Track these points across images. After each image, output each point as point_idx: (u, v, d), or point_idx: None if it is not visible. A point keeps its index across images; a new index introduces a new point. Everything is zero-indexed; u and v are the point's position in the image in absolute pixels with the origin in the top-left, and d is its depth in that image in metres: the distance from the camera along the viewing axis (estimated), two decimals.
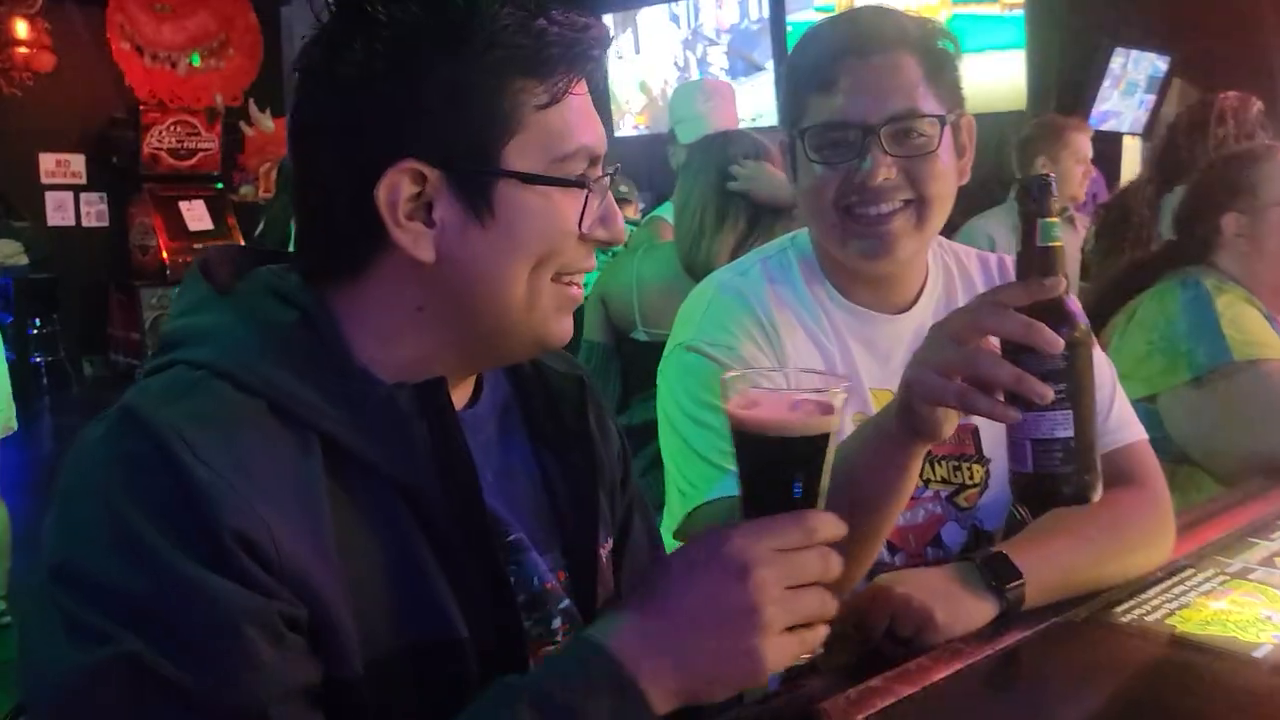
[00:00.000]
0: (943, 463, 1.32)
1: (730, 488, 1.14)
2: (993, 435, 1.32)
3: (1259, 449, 1.71)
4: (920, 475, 1.29)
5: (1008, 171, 3.78)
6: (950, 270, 1.38)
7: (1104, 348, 1.98)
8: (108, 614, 0.71)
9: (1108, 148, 5.87)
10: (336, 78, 0.84)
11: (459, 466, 0.84)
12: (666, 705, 0.75)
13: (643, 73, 7.83)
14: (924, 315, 1.31)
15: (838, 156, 1.20)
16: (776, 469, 0.80)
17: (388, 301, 0.86)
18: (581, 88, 0.87)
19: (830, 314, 1.29)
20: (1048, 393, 0.87)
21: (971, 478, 1.34)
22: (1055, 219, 0.92)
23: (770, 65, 6.76)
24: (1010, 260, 1.37)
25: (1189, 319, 1.84)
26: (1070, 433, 0.88)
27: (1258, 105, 2.66)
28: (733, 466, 1.14)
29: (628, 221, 3.83)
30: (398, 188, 0.82)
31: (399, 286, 0.85)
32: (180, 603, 0.71)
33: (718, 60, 7.20)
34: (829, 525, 0.78)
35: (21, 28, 8.25)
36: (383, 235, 0.83)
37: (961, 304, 1.27)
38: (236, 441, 0.76)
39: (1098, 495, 0.92)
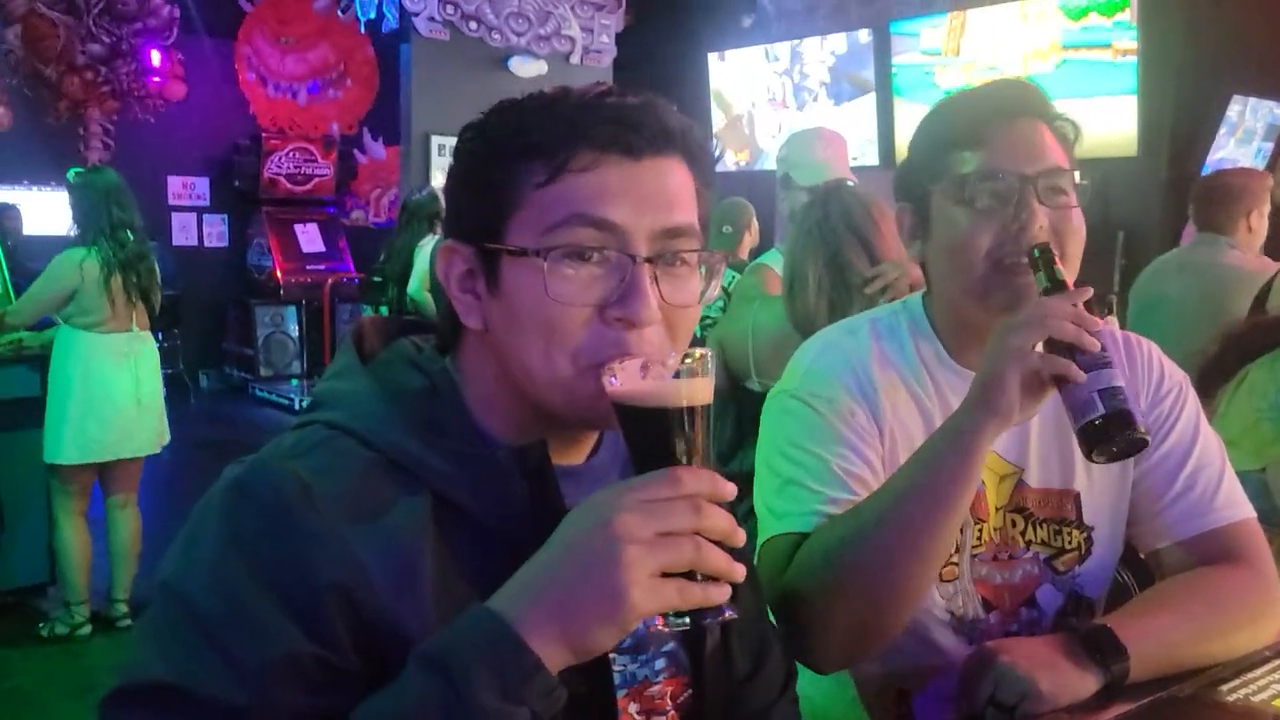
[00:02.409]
0: (1044, 525, 1.35)
1: (803, 526, 1.22)
2: (1094, 504, 1.35)
3: None
4: (1022, 535, 1.34)
5: (1115, 221, 3.75)
6: None
7: (1212, 412, 1.97)
8: (179, 631, 0.81)
9: None
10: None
11: (553, 520, 0.89)
12: (553, 650, 0.77)
13: (722, 85, 7.87)
14: None
15: (993, 205, 1.23)
16: (651, 438, 0.83)
17: (480, 368, 0.95)
18: (595, 160, 0.87)
19: (934, 374, 1.33)
20: (1096, 345, 1.07)
21: (1070, 542, 1.36)
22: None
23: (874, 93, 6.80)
24: (1121, 332, 1.42)
25: None
26: (1122, 382, 1.08)
27: None
28: (819, 505, 1.22)
29: (732, 266, 3.88)
30: (450, 263, 0.92)
31: (479, 355, 0.95)
32: (243, 637, 0.80)
33: (817, 74, 7.22)
34: (698, 479, 0.79)
35: (156, 57, 8.70)
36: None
37: None
38: (351, 493, 0.85)
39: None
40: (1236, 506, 1.32)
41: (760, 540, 1.28)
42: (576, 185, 0.87)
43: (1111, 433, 1.06)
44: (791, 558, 1.21)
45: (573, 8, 7.31)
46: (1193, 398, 1.38)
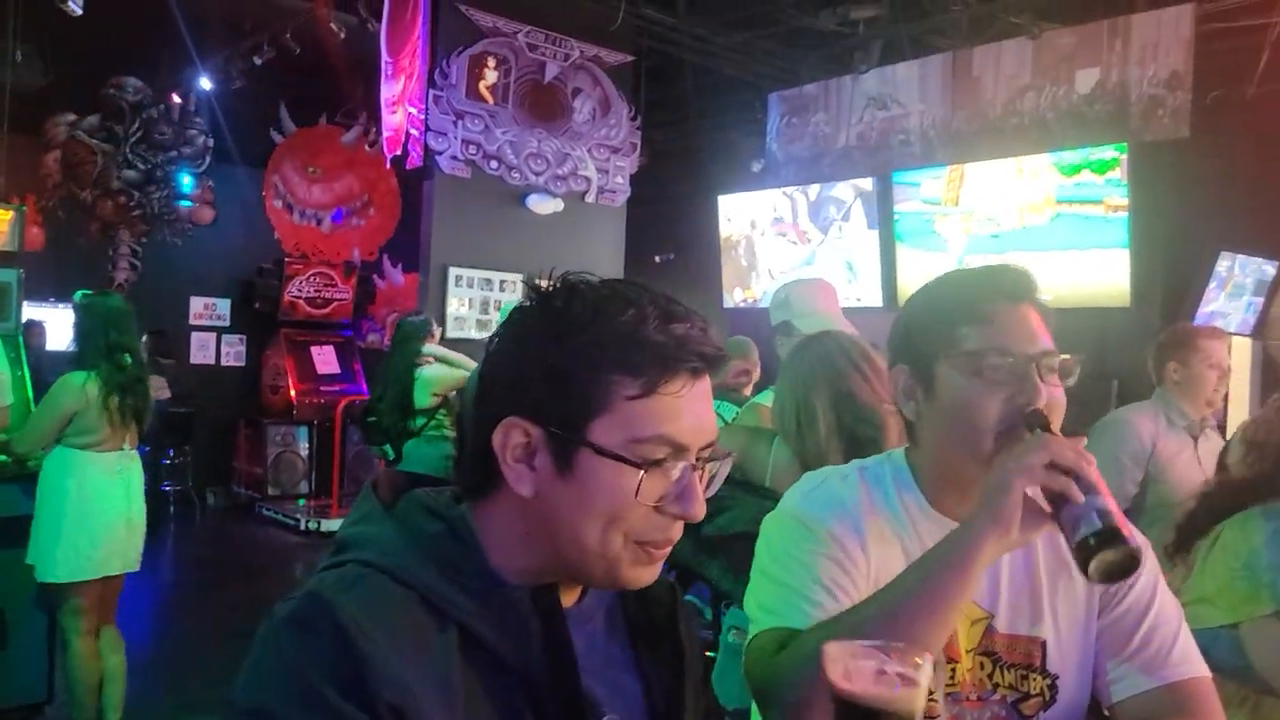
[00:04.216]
0: (1011, 670, 1.42)
1: (801, 622, 1.32)
2: (1059, 653, 1.42)
3: None
4: (990, 678, 1.42)
5: (1110, 370, 3.87)
6: None
7: (1190, 568, 2.05)
8: None
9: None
10: (488, 347, 1.10)
11: (563, 657, 1.04)
12: None
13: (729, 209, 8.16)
14: None
15: (1002, 380, 1.34)
16: None
17: (505, 522, 1.05)
18: (682, 386, 1.02)
19: (916, 522, 1.43)
20: (1094, 473, 1.19)
21: (1035, 688, 1.42)
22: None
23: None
24: None
25: (1273, 551, 1.88)
26: (1115, 507, 1.18)
27: None
28: (808, 606, 1.32)
29: (734, 401, 4.01)
30: (509, 435, 1.02)
31: (512, 512, 1.04)
32: None
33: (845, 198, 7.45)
34: None
35: (188, 183, 9.03)
36: (499, 470, 1.05)
37: None
38: (394, 625, 0.96)
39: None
40: (1192, 664, 1.39)
41: (751, 635, 1.38)
42: (662, 405, 1.01)
43: (1108, 546, 1.14)
44: (779, 651, 1.30)
45: (589, 150, 7.65)
46: (1152, 561, 1.47)
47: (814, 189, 7.56)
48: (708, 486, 1.07)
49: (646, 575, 1.06)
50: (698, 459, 1.04)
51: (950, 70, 7.13)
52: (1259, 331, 6.40)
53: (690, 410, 1.03)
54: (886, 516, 1.43)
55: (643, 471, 1.00)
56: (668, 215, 9.79)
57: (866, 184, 7.16)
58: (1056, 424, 1.36)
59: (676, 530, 1.04)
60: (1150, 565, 1.44)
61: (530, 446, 1.03)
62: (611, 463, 1.00)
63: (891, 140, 7.46)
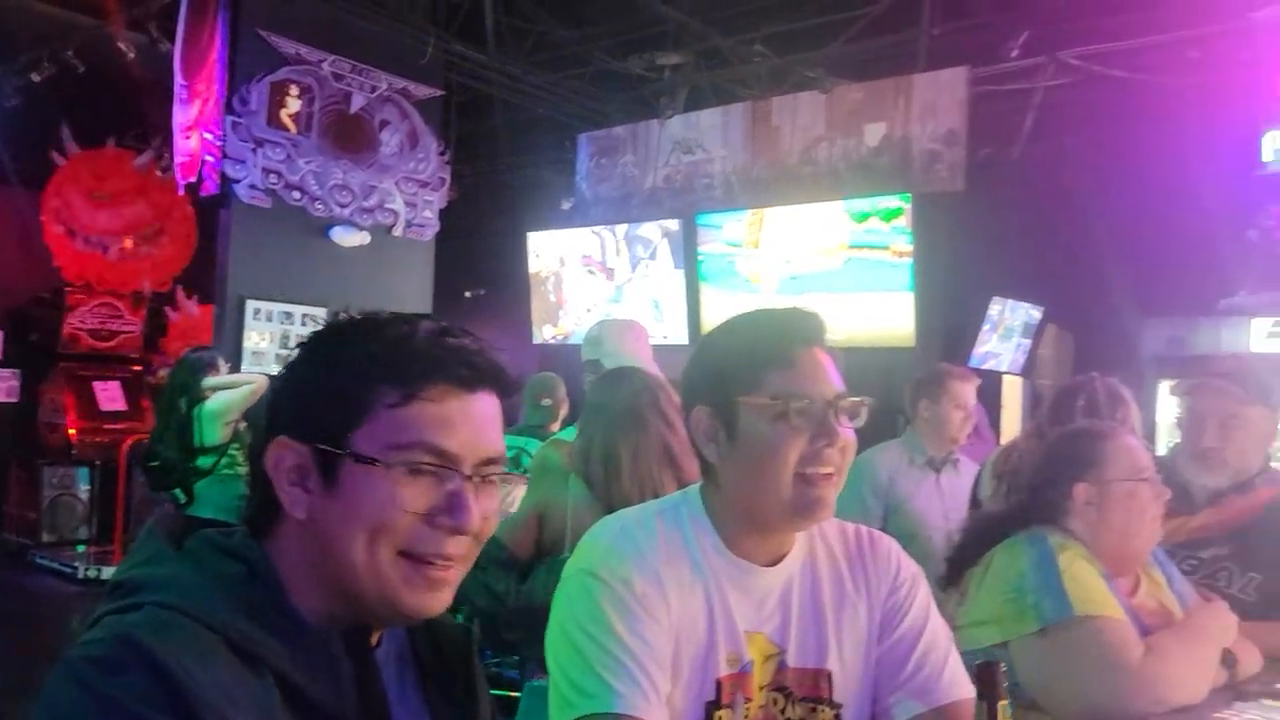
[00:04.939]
0: (801, 704, 1.46)
1: (611, 705, 1.31)
2: (844, 683, 1.47)
3: (1094, 700, 1.84)
4: (782, 713, 1.45)
5: (896, 406, 4.10)
6: (813, 533, 1.54)
7: (964, 595, 2.19)
8: None
9: (989, 386, 6.36)
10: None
11: (376, 703, 1.02)
12: None
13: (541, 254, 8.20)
14: (792, 568, 1.48)
15: (799, 423, 1.38)
16: None
17: (293, 556, 1.01)
18: (446, 393, 1.01)
19: (713, 563, 1.44)
20: None
21: (824, 719, 1.46)
22: (1007, 700, 1.16)
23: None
24: (866, 531, 1.58)
25: (1036, 573, 2.02)
26: None
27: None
28: (617, 684, 1.32)
29: (540, 437, 4.02)
30: (280, 457, 1.00)
31: (297, 542, 1.01)
32: None
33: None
34: None
35: None
36: (278, 497, 1.03)
37: (823, 565, 1.49)
38: (216, 670, 0.91)
39: None
40: (960, 686, 1.48)
41: (563, 714, 1.36)
42: (424, 412, 1.00)
43: None
44: None
45: (397, 183, 7.54)
46: (924, 588, 1.56)
47: (622, 228, 7.71)
48: (497, 505, 1.05)
49: (427, 601, 1.02)
50: (477, 474, 1.03)
51: (751, 118, 7.45)
52: (1027, 370, 6.95)
53: (463, 422, 1.01)
54: (686, 561, 1.43)
55: (402, 476, 0.98)
56: (478, 251, 9.75)
57: (673, 225, 7.36)
58: (850, 460, 1.43)
59: (452, 546, 1.01)
60: (922, 592, 1.53)
61: (302, 467, 1.00)
62: (374, 471, 0.98)
63: (696, 183, 7.71)
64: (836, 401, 1.39)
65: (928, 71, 6.54)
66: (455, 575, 1.03)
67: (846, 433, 1.40)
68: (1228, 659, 2.01)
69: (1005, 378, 6.79)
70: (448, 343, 1.03)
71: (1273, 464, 2.61)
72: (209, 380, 5.01)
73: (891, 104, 6.67)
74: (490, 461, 1.05)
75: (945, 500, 3.69)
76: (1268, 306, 5.52)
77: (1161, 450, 3.98)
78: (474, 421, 1.03)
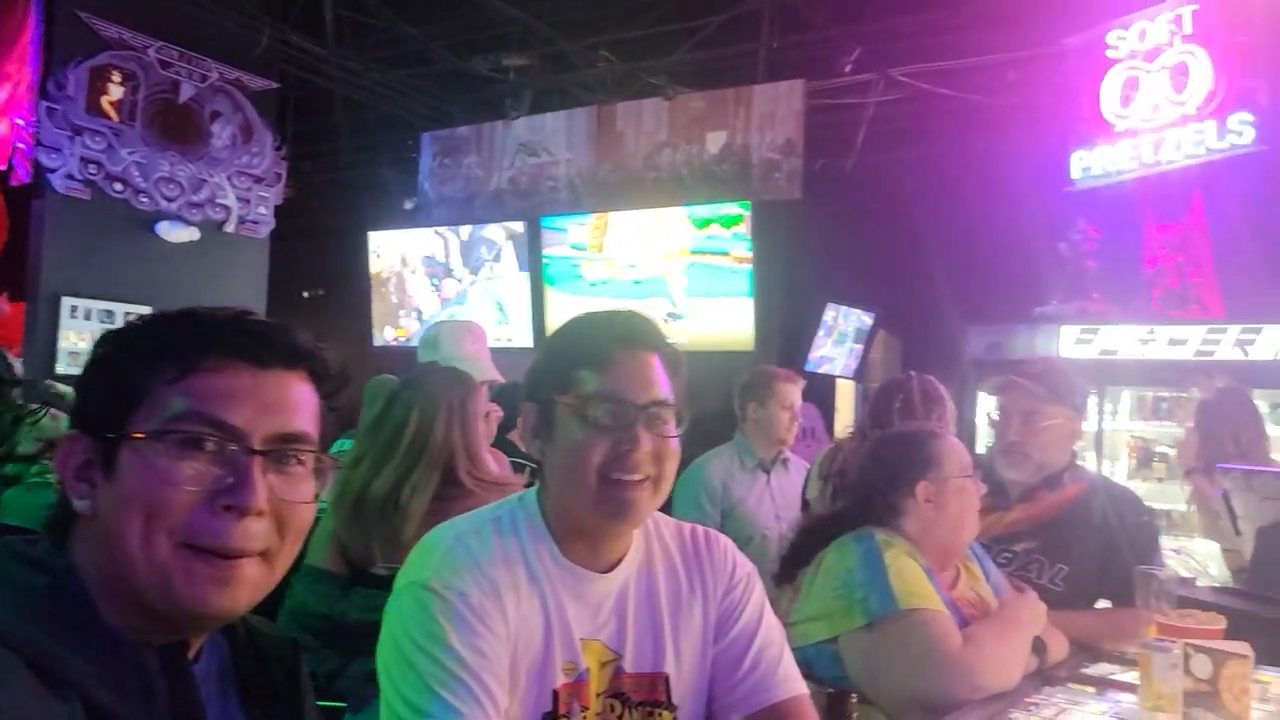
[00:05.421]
0: (639, 708, 1.46)
1: (445, 716, 1.27)
2: (681, 685, 1.48)
3: (917, 689, 1.92)
4: (620, 718, 1.44)
5: (738, 411, 4.17)
6: (650, 535, 1.55)
7: (797, 591, 2.25)
8: None
9: (824, 389, 6.59)
10: None
11: (192, 717, 0.94)
12: None
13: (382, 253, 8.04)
14: (628, 573, 1.47)
15: (607, 425, 1.37)
16: None
17: (93, 561, 0.94)
18: (226, 365, 0.95)
19: (549, 569, 1.42)
20: None
21: None
22: None
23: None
24: (703, 531, 1.58)
25: (863, 570, 2.08)
26: None
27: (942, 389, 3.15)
28: (457, 702, 1.28)
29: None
30: (67, 453, 0.94)
31: (92, 546, 0.94)
32: None
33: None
34: None
35: None
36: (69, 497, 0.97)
37: (659, 568, 1.49)
38: (13, 693, 0.83)
39: None
40: (792, 683, 1.51)
41: None
42: (202, 385, 0.93)
43: None
44: None
45: (229, 177, 7.24)
46: (759, 586, 1.58)
47: (466, 229, 7.63)
48: (309, 491, 0.99)
49: (214, 598, 0.94)
50: (271, 451, 0.96)
51: (596, 123, 7.49)
52: (860, 374, 7.23)
53: (250, 396, 0.95)
54: (523, 570, 1.41)
55: (175, 450, 0.91)
56: (317, 250, 9.45)
57: (518, 227, 7.33)
58: (669, 472, 1.41)
59: (239, 534, 0.93)
60: (757, 590, 1.55)
61: (88, 461, 0.94)
62: (147, 449, 0.91)
63: (541, 186, 7.70)
64: (650, 407, 1.38)
65: (767, 83, 6.71)
66: (251, 572, 0.95)
67: (658, 440, 1.39)
68: (1038, 646, 2.13)
69: (839, 381, 7.04)
70: (239, 321, 0.98)
71: (1079, 463, 2.77)
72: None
73: (732, 113, 6.83)
74: (289, 440, 0.97)
75: (777, 500, 3.76)
76: (1076, 314, 5.89)
77: (981, 449, 4.19)
78: (265, 397, 0.96)
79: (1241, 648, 1.77)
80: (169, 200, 6.89)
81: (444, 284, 7.75)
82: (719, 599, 1.51)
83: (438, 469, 2.31)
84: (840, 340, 6.94)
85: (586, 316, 1.51)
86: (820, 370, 6.77)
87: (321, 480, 1.01)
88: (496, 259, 7.45)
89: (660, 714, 1.46)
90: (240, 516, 0.92)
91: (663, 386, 1.41)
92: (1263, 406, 5.39)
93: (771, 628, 1.53)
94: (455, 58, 7.56)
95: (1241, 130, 5.35)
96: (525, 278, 7.26)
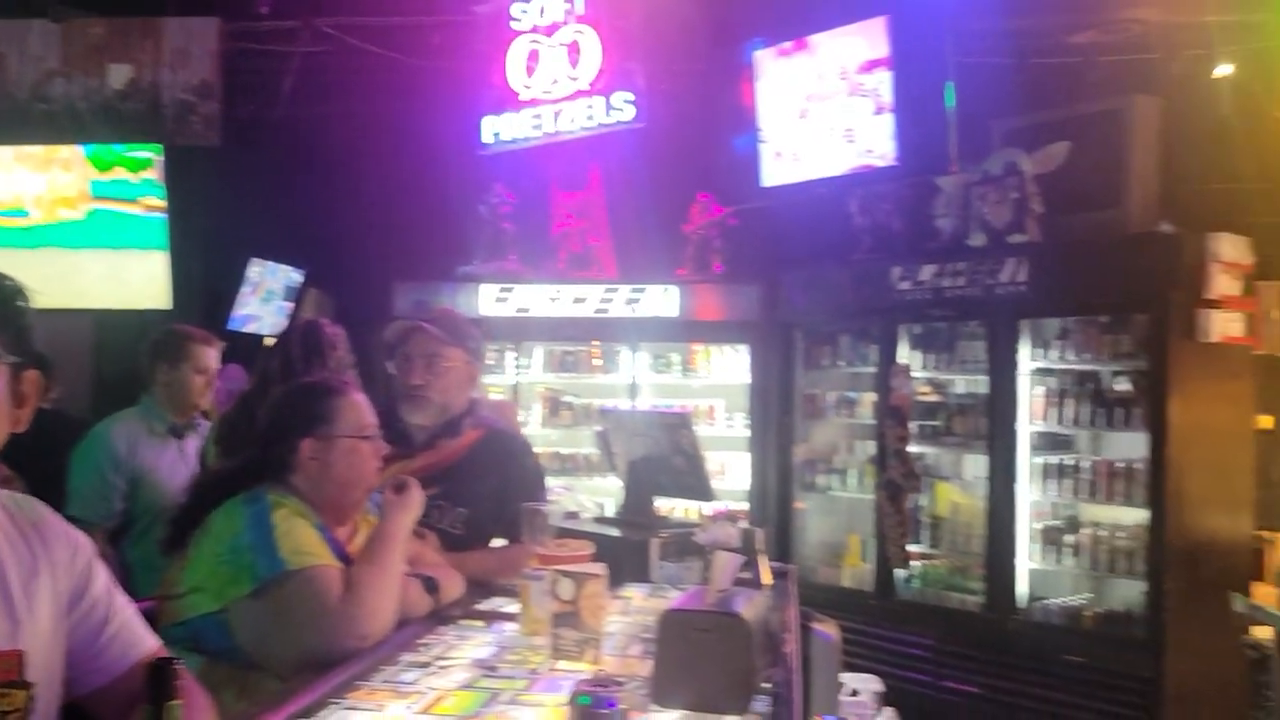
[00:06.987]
0: None
1: None
2: (36, 661, 1.35)
3: (304, 646, 1.89)
4: None
5: (146, 373, 3.81)
6: None
7: (186, 559, 2.10)
8: None
9: (250, 350, 6.29)
10: None
11: None
12: None
13: None
14: None
15: None
16: None
17: None
18: None
19: None
20: None
21: (14, 704, 1.34)
22: (178, 700, 1.15)
23: None
24: (27, 502, 1.46)
25: (251, 532, 1.99)
26: None
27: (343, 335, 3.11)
28: None
29: None
30: None
31: None
32: None
33: None
34: None
35: None
36: None
37: (1, 541, 1.36)
38: None
39: None
40: (150, 636, 1.48)
41: None
42: None
43: None
44: None
45: None
46: (95, 553, 1.50)
47: None
48: None
49: None
50: None
51: None
52: None
53: None
54: None
55: None
56: None
57: None
58: None
59: None
60: (96, 558, 1.47)
61: None
62: None
63: None
64: None
65: (177, 17, 6.21)
66: None
67: None
68: (432, 586, 2.21)
69: (267, 341, 6.79)
70: None
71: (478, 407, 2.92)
72: None
73: (139, 46, 6.23)
74: None
75: (190, 467, 3.56)
76: (495, 274, 6.23)
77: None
78: None
79: (598, 568, 1.96)
80: None
81: None
82: (68, 564, 1.43)
83: None
84: (268, 298, 6.67)
85: None
86: (247, 329, 6.46)
87: None
88: None
89: (15, 695, 1.33)
90: None
91: None
92: (646, 357, 6.21)
93: (114, 591, 1.48)
94: None
95: (624, 107, 5.96)
96: None
